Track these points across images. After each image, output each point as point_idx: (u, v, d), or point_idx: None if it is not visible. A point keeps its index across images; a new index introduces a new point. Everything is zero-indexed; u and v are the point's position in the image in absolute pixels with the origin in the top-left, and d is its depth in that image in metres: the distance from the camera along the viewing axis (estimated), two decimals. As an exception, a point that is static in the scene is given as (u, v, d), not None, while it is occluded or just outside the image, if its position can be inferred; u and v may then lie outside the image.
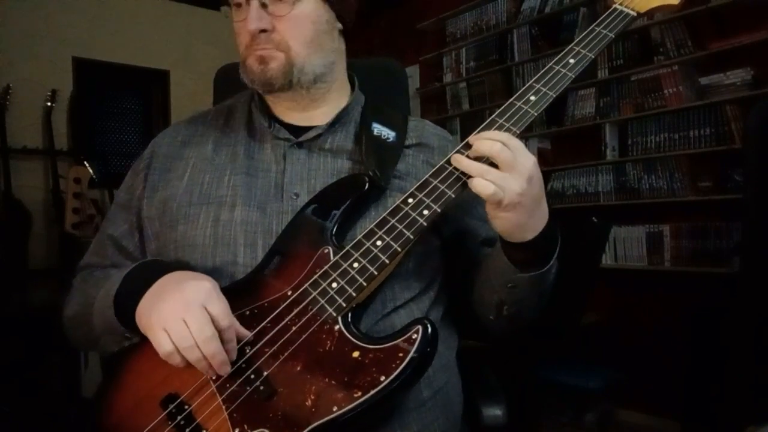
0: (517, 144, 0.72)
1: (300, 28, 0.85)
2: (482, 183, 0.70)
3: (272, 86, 0.86)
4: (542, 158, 3.35)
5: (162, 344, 0.69)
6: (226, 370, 0.70)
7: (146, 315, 0.72)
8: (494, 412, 0.93)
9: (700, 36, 2.71)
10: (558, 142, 3.36)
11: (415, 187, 0.77)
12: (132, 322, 0.75)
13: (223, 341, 0.69)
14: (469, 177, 0.73)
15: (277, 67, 0.85)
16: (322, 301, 0.73)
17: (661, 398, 2.76)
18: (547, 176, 3.24)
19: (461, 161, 0.73)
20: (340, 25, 0.91)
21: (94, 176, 2.83)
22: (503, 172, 0.70)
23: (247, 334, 0.73)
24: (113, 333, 0.79)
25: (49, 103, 3.77)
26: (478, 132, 0.77)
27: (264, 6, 0.83)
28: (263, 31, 0.83)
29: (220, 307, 0.70)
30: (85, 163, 2.99)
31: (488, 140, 0.72)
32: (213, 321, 0.68)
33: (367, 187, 0.82)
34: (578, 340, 2.63)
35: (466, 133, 0.77)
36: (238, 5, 0.86)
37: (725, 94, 2.59)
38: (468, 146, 0.75)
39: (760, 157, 1.88)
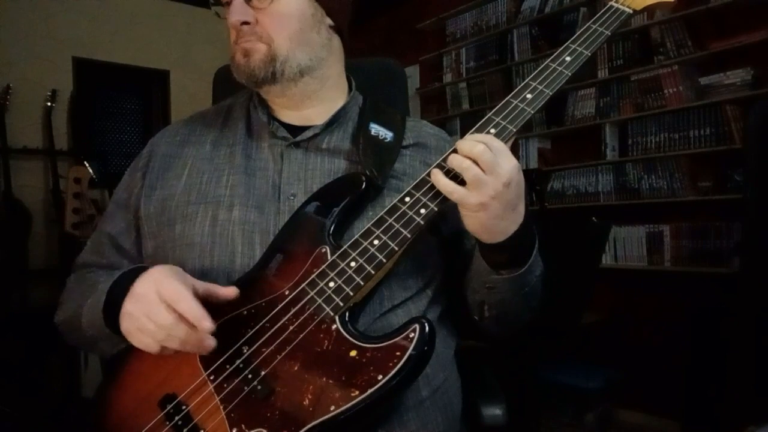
0: (501, 146, 0.71)
1: (282, 21, 0.85)
2: (448, 184, 0.72)
3: (255, 78, 0.86)
4: (542, 158, 3.36)
5: (148, 345, 0.70)
6: (209, 344, 0.68)
7: (123, 323, 0.73)
8: (494, 411, 0.92)
9: (700, 36, 2.71)
10: (558, 142, 3.36)
11: (413, 186, 0.77)
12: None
13: (186, 315, 0.68)
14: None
15: (259, 59, 0.85)
16: (320, 301, 0.72)
17: (661, 398, 2.76)
18: (547, 176, 3.24)
19: (437, 176, 0.73)
20: (330, 21, 0.91)
21: (94, 176, 2.82)
22: (485, 174, 0.69)
23: (226, 292, 0.72)
24: (109, 339, 0.79)
25: (49, 103, 3.78)
26: (472, 132, 0.77)
27: (247, 0, 0.84)
28: (246, 23, 0.84)
29: (169, 289, 0.69)
30: (85, 163, 2.98)
31: (471, 141, 0.71)
32: (170, 305, 0.68)
33: (364, 186, 0.82)
34: (578, 340, 2.63)
35: (466, 133, 0.77)
36: (228, 4, 0.86)
37: (725, 94, 2.59)
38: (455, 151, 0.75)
39: (760, 157, 1.89)
